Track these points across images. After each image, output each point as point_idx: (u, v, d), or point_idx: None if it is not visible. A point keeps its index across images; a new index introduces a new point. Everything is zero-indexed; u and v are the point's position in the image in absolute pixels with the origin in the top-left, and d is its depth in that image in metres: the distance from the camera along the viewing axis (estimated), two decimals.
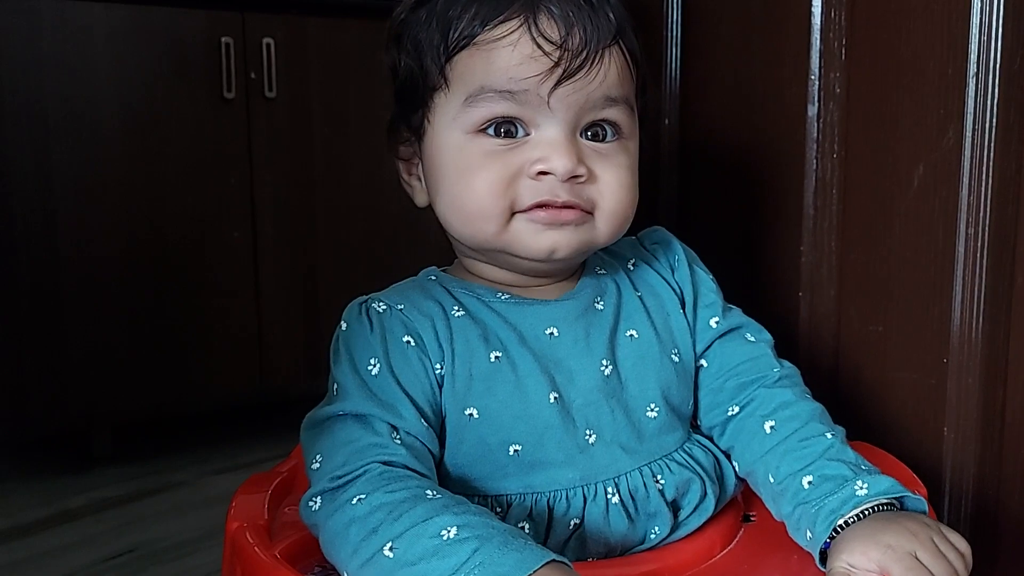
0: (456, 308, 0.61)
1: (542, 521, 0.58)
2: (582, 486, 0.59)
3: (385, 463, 0.54)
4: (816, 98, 0.79)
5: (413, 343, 0.59)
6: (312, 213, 1.94)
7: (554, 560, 0.47)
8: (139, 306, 1.69)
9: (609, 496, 0.59)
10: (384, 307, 0.62)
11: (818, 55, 0.79)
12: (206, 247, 1.72)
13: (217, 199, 1.71)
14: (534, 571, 0.46)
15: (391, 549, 0.49)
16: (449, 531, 0.49)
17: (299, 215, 1.92)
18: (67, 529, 1.47)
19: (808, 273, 0.82)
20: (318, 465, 0.55)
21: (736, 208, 0.90)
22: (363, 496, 0.52)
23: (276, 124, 1.86)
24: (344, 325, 0.62)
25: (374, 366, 0.58)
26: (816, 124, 0.80)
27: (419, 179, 0.67)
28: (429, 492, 0.52)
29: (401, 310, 0.61)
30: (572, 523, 0.58)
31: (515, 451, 0.58)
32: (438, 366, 0.59)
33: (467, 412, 0.59)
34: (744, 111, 0.88)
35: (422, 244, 1.99)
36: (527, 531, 0.57)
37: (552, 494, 0.58)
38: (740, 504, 0.65)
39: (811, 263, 0.82)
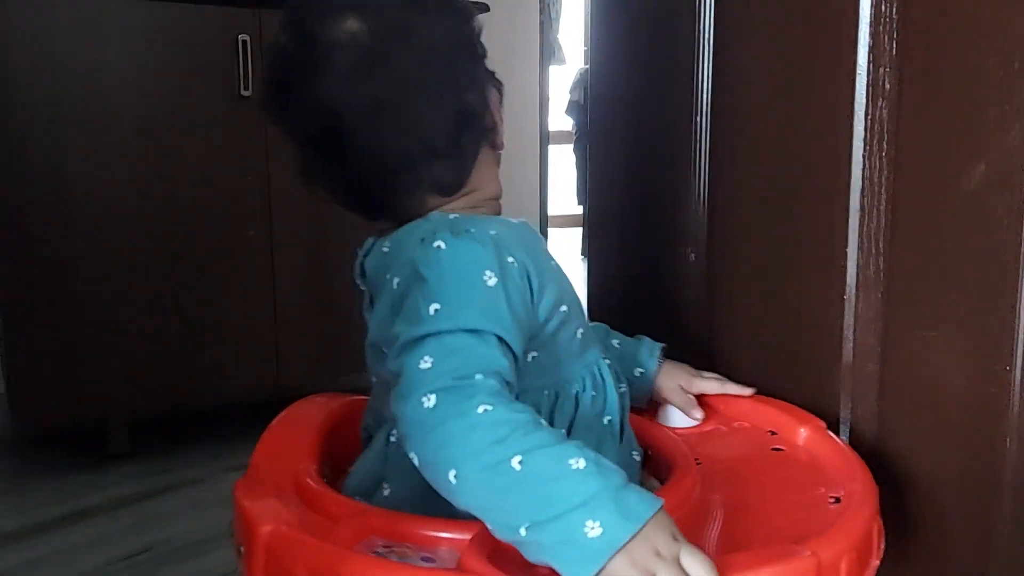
0: (506, 228, 0.67)
1: (600, 387, 0.71)
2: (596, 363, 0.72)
3: (499, 376, 0.57)
4: (864, 95, 0.76)
5: (515, 262, 0.63)
6: (328, 210, 1.91)
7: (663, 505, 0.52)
8: (155, 304, 1.67)
9: (602, 377, 0.72)
10: (479, 227, 0.64)
11: (866, 50, 0.76)
12: (222, 244, 1.71)
13: (233, 196, 1.69)
14: (653, 514, 0.51)
15: (520, 463, 0.52)
16: (578, 462, 0.52)
17: (314, 212, 1.90)
18: (82, 528, 1.45)
19: (854, 275, 0.79)
20: (428, 365, 0.56)
21: (774, 209, 0.87)
22: (489, 407, 0.54)
23: None
24: (442, 244, 0.62)
25: (490, 278, 0.61)
26: (864, 121, 0.77)
27: None
28: (543, 421, 0.56)
29: (493, 235, 0.64)
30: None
31: (580, 333, 0.71)
32: (534, 279, 0.64)
33: (562, 309, 0.68)
34: (782, 108, 0.85)
35: None
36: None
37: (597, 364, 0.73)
38: None
39: (857, 265, 0.79)
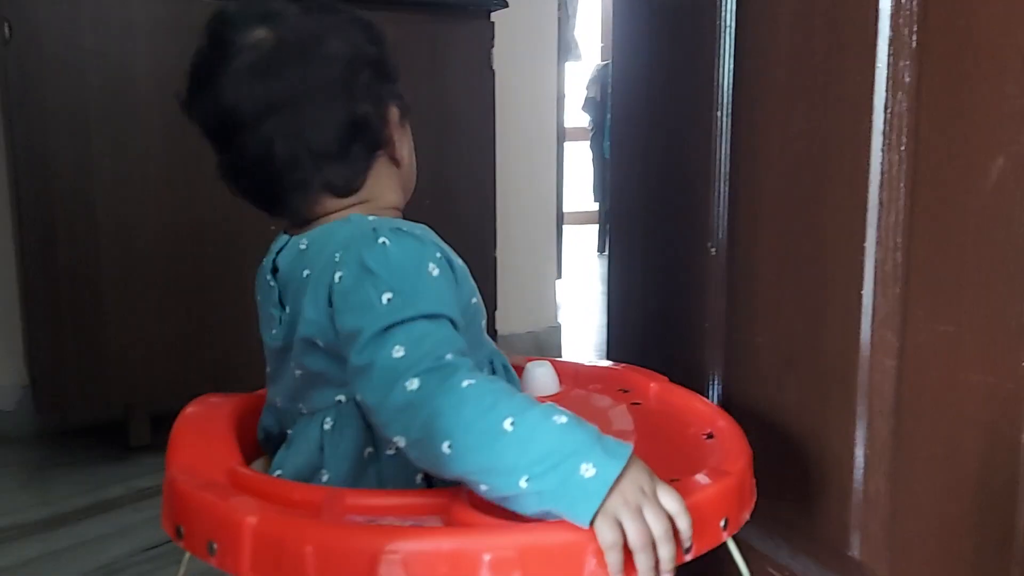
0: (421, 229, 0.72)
1: (500, 371, 0.78)
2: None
3: (464, 354, 0.62)
4: (884, 88, 0.76)
5: (442, 257, 0.69)
6: None
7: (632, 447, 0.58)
8: (176, 299, 1.69)
9: (503, 364, 0.80)
10: (408, 227, 0.69)
11: (886, 42, 0.76)
12: (244, 239, 1.72)
13: None
14: (630, 453, 0.57)
15: (512, 424, 0.57)
16: (560, 418, 0.57)
17: None
18: (106, 518, 1.47)
19: (872, 270, 0.79)
20: (401, 353, 0.60)
21: (793, 203, 0.87)
22: (472, 381, 0.59)
23: None
24: (387, 241, 0.66)
25: (433, 269, 0.66)
26: (883, 115, 0.77)
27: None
28: (515, 388, 0.62)
29: (419, 234, 0.69)
30: None
31: (483, 325, 0.77)
32: (456, 272, 0.71)
33: (473, 300, 0.74)
34: (802, 102, 0.85)
35: (453, 234, 1.95)
36: None
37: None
38: None
39: (875, 259, 0.79)
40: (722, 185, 0.93)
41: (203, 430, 0.74)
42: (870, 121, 0.78)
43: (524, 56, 2.44)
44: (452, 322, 0.65)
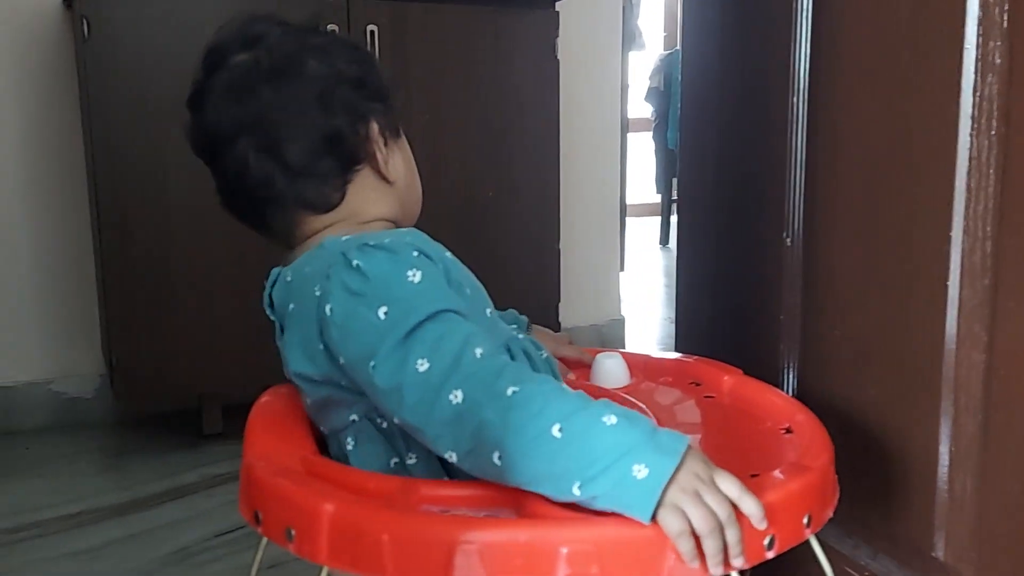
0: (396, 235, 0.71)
1: (520, 356, 0.76)
2: None
3: (485, 342, 0.62)
4: (973, 70, 0.73)
5: (418, 254, 0.68)
6: None
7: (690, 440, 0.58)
8: (247, 290, 1.71)
9: (522, 349, 0.77)
10: (376, 240, 0.68)
11: (975, 22, 0.73)
12: None
13: None
14: (686, 447, 0.56)
15: (560, 430, 0.56)
16: (609, 419, 0.56)
17: None
18: (180, 504, 1.50)
19: (958, 261, 0.76)
20: (426, 366, 0.60)
21: (874, 192, 0.84)
22: (516, 388, 0.58)
23: None
24: (359, 262, 0.66)
25: (414, 275, 0.65)
26: (972, 98, 0.73)
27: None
28: (564, 385, 0.61)
29: (389, 242, 0.68)
30: None
31: (489, 312, 0.76)
32: (437, 264, 0.69)
33: (467, 292, 0.72)
34: (884, 86, 0.82)
35: (517, 226, 1.97)
36: None
37: None
38: None
39: (962, 250, 0.76)
40: (798, 173, 0.91)
41: (277, 419, 0.75)
42: (957, 105, 0.75)
43: (589, 46, 2.42)
44: (457, 313, 0.64)
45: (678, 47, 4.78)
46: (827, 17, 0.88)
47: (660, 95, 4.67)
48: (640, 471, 0.54)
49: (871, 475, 0.86)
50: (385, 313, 0.62)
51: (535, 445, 0.56)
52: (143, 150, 1.63)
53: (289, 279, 0.72)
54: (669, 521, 0.54)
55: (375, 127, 0.77)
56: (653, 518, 0.54)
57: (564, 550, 0.53)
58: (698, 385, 0.86)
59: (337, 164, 0.75)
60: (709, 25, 1.04)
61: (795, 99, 0.90)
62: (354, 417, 0.70)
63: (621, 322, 2.64)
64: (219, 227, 1.70)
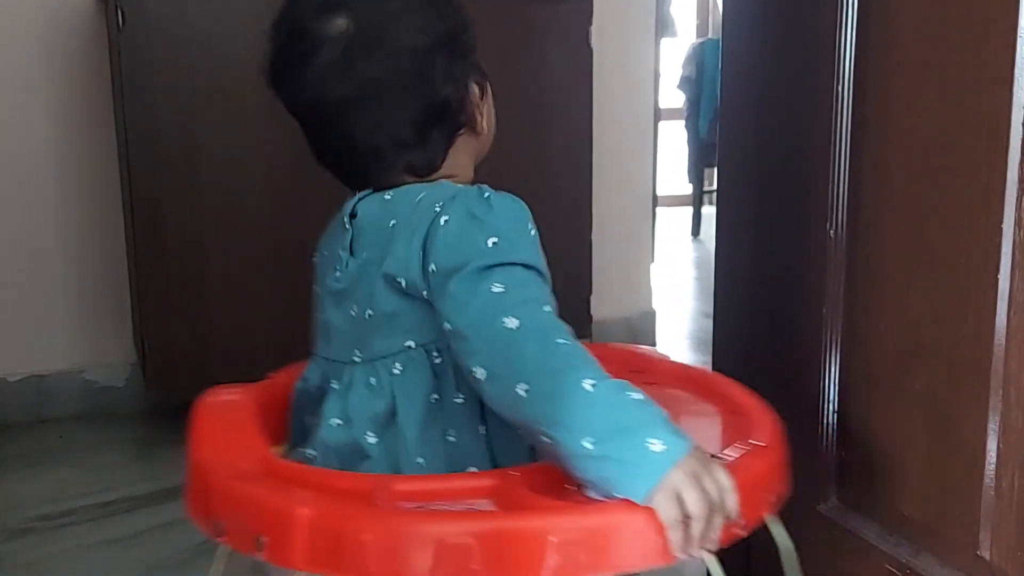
0: None
1: None
2: None
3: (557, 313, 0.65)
4: None
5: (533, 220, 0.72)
6: None
7: None
8: (279, 281, 1.72)
9: None
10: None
11: None
12: None
13: None
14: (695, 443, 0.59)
15: (592, 386, 0.59)
16: (636, 394, 0.60)
17: None
18: None
19: (1009, 254, 0.74)
20: (501, 289, 0.63)
21: (922, 183, 0.82)
22: (564, 342, 0.62)
23: None
24: (491, 195, 0.70)
25: (532, 229, 0.70)
26: None
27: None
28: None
29: (517, 197, 0.72)
30: None
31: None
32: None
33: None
34: (933, 74, 0.80)
35: (549, 217, 1.93)
36: None
37: None
38: None
39: (1013, 242, 0.74)
40: (843, 164, 0.89)
41: (226, 420, 0.73)
42: (1010, 93, 0.72)
43: (622, 34, 2.40)
44: (545, 279, 0.68)
45: (711, 35, 4.76)
46: (874, 4, 0.85)
47: (692, 84, 4.62)
48: (655, 445, 0.57)
49: (915, 470, 0.84)
50: (494, 243, 0.66)
51: (564, 390, 0.59)
52: (176, 139, 1.64)
53: (388, 197, 0.75)
54: (666, 508, 0.56)
55: (475, 89, 0.79)
56: (648, 499, 0.56)
57: (554, 539, 0.54)
58: (639, 373, 0.86)
59: (444, 133, 0.77)
60: (750, 12, 1.02)
61: (840, 88, 0.88)
62: (410, 343, 0.71)
63: (652, 315, 2.62)
64: (252, 215, 1.70)
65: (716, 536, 0.58)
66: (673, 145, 5.06)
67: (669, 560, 0.57)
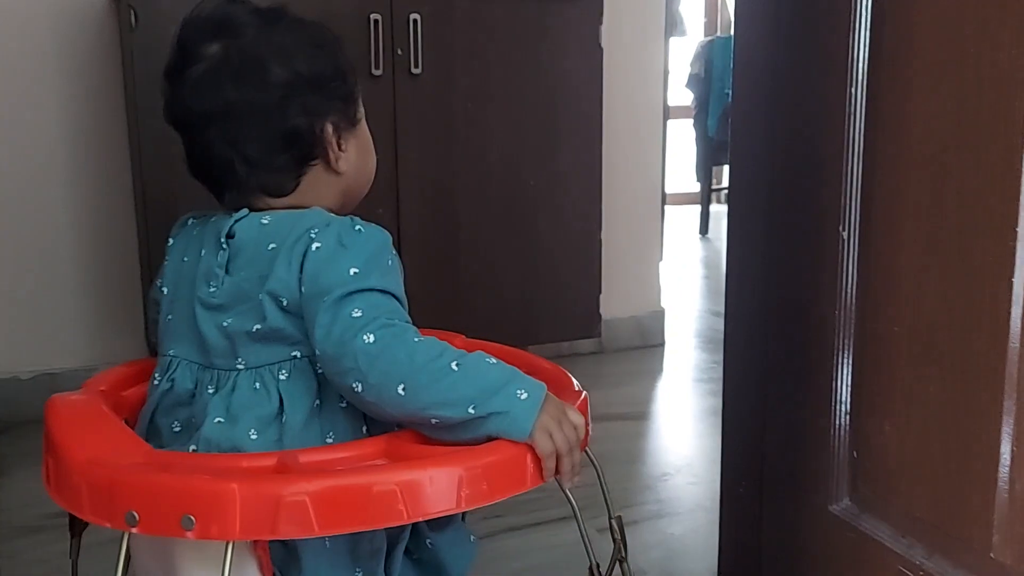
0: None
1: None
2: None
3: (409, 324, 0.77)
4: None
5: (393, 250, 0.83)
6: (453, 189, 1.93)
7: None
8: None
9: None
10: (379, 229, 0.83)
11: None
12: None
13: None
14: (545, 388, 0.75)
15: (457, 365, 0.72)
16: (490, 359, 0.75)
17: (440, 190, 1.91)
18: None
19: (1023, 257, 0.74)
20: (359, 314, 0.73)
21: (935, 183, 0.82)
22: (420, 340, 0.74)
23: (420, 101, 1.86)
24: (360, 228, 0.80)
25: (391, 259, 0.80)
26: None
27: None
28: None
29: (381, 228, 0.84)
30: None
31: None
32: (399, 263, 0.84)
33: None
34: (950, 74, 0.80)
35: (559, 216, 1.96)
36: None
37: None
38: None
39: None
40: (855, 165, 0.89)
41: (91, 423, 0.76)
42: None
43: (631, 33, 2.39)
44: (400, 301, 0.78)
45: (719, 33, 4.75)
46: (888, 2, 0.85)
47: (701, 82, 4.62)
48: (522, 394, 0.72)
49: (928, 473, 0.84)
50: (355, 272, 0.75)
51: (437, 377, 0.71)
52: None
53: (266, 222, 0.82)
54: (544, 442, 0.71)
55: (329, 128, 0.86)
56: (530, 436, 0.71)
57: (460, 474, 0.66)
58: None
59: (292, 160, 0.85)
60: (763, 10, 1.02)
61: (853, 89, 0.87)
62: (296, 354, 0.79)
63: (661, 314, 2.62)
64: None
65: (577, 464, 0.74)
66: (681, 143, 5.05)
67: (539, 483, 0.72)
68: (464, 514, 0.91)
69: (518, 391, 0.72)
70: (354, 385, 0.72)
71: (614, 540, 0.83)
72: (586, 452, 0.78)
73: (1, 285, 1.94)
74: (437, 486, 0.65)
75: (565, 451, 0.72)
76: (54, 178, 1.94)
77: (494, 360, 0.74)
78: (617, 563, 0.83)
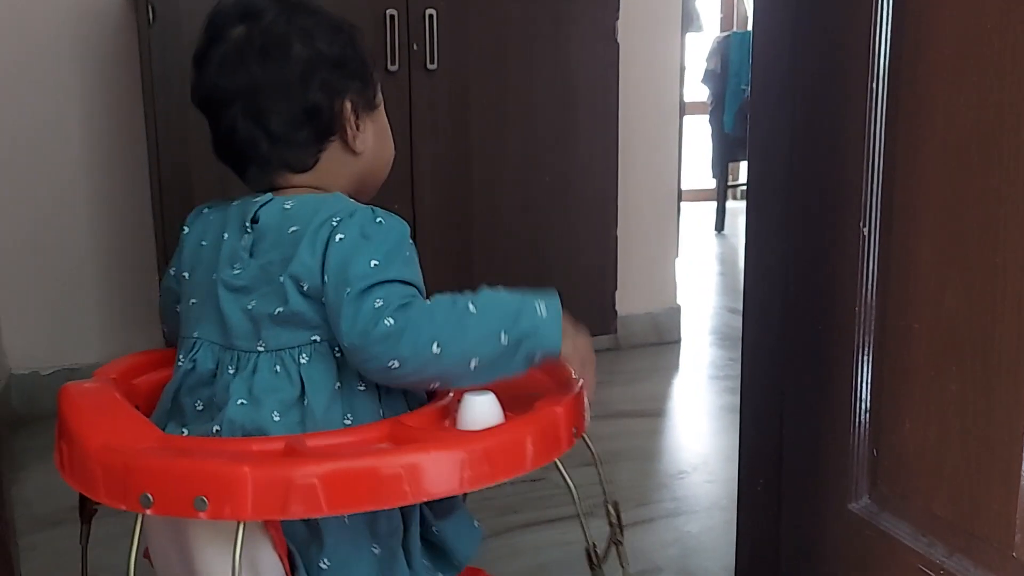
0: None
1: None
2: None
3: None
4: None
5: (411, 241, 0.84)
6: (468, 184, 1.93)
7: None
8: None
9: None
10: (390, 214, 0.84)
11: None
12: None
13: None
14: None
15: (474, 306, 0.76)
16: (496, 289, 0.79)
17: (456, 186, 1.91)
18: None
19: None
20: (381, 304, 0.74)
21: (959, 179, 0.81)
22: (430, 300, 0.77)
23: (436, 96, 1.86)
24: (382, 220, 0.80)
25: (409, 250, 0.81)
26: None
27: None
28: None
29: (401, 219, 0.84)
30: None
31: None
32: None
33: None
34: (973, 70, 0.79)
35: (574, 212, 1.96)
36: None
37: None
38: None
39: None
40: (877, 161, 0.88)
41: (104, 409, 0.77)
42: None
43: (648, 28, 2.39)
44: (419, 291, 0.80)
45: (735, 29, 4.73)
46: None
47: (717, 78, 4.59)
48: (541, 308, 0.78)
49: (949, 471, 0.84)
50: (375, 265, 0.76)
51: (462, 324, 0.75)
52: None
53: (288, 206, 0.83)
54: (570, 349, 0.79)
55: (348, 105, 0.88)
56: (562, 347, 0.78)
57: (463, 456, 0.67)
58: None
59: (312, 135, 0.87)
60: (782, 6, 1.01)
61: (875, 84, 0.87)
62: (316, 338, 0.80)
63: (677, 311, 2.62)
64: None
65: (593, 382, 0.81)
66: (696, 139, 5.03)
67: (527, 470, 0.71)
68: (466, 499, 0.92)
69: (535, 306, 0.77)
70: (390, 364, 0.74)
71: (610, 524, 0.83)
72: (583, 438, 0.78)
73: (22, 283, 1.96)
74: (440, 467, 0.66)
75: (590, 360, 0.78)
76: (71, 176, 1.95)
77: (500, 288, 0.79)
78: (614, 546, 0.84)
